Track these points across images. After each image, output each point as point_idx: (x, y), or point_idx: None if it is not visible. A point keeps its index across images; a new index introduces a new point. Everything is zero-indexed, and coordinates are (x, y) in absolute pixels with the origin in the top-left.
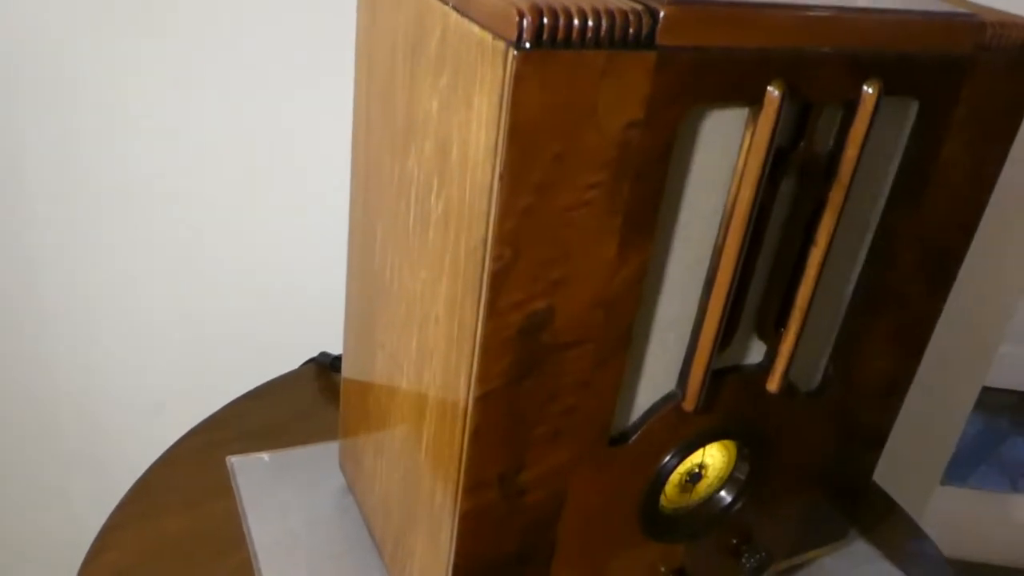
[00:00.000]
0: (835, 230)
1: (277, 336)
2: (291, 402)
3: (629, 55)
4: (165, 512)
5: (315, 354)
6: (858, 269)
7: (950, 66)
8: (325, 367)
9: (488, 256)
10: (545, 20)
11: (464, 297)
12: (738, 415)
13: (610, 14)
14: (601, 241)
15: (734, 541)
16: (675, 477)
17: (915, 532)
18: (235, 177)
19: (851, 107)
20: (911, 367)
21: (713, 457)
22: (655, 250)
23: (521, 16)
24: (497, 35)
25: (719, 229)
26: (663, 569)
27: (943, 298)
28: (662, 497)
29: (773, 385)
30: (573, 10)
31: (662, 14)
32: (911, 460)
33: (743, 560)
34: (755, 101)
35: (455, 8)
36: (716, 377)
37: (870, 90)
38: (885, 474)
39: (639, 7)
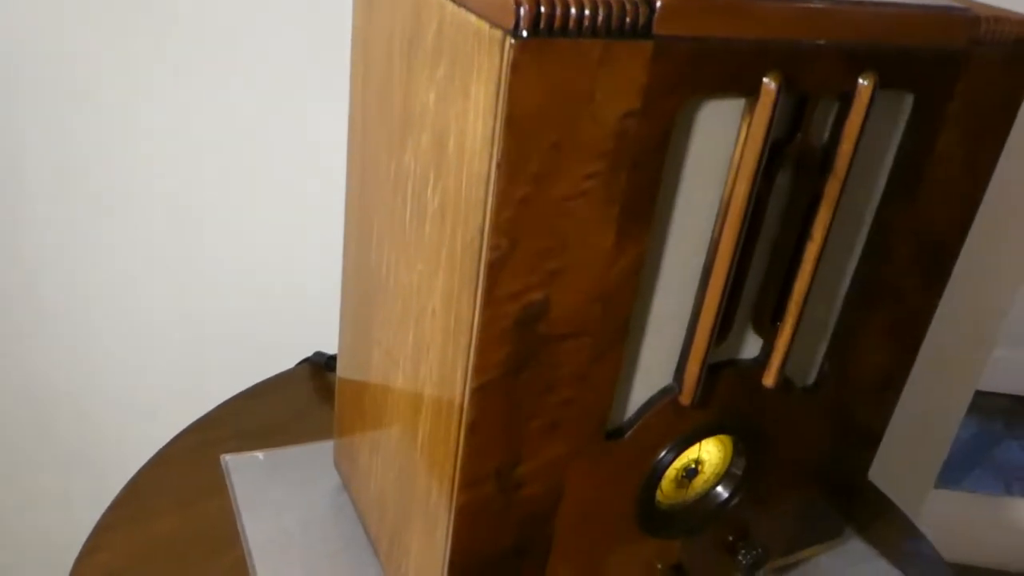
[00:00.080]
0: (831, 223)
1: (272, 336)
2: (285, 402)
3: (626, 44)
4: (158, 511)
5: (310, 354)
6: (854, 263)
7: (945, 60)
8: (320, 367)
9: (485, 246)
10: (542, 8)
11: (461, 289)
12: (734, 410)
13: (607, 3)
14: (598, 232)
15: (730, 538)
16: (671, 472)
17: (911, 531)
18: (232, 178)
19: (847, 100)
20: (907, 363)
21: (709, 453)
22: (652, 242)
23: (518, 4)
24: (494, 24)
25: (715, 221)
26: (659, 565)
27: (939, 293)
28: (658, 492)
29: (769, 380)
30: None
31: (659, 4)
32: (905, 463)
33: (739, 557)
34: (751, 92)
35: None
36: (712, 371)
37: (865, 83)
38: (879, 476)
39: None
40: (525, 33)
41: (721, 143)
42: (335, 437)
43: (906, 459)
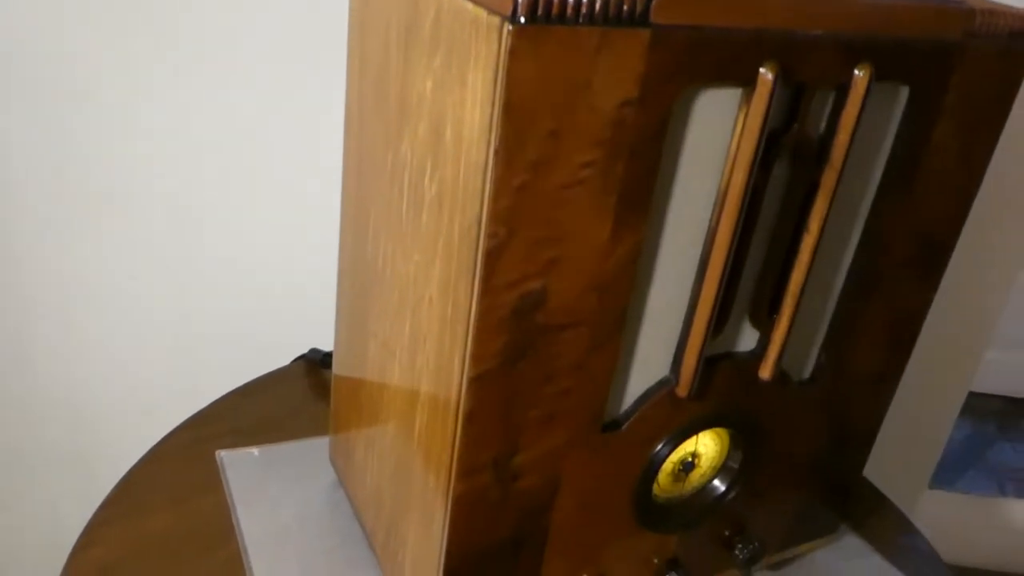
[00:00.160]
0: (827, 215)
1: (267, 334)
2: (281, 398)
3: (623, 32)
4: (152, 507)
5: (305, 351)
6: (850, 256)
7: (940, 52)
8: (315, 363)
9: (482, 234)
10: None
11: (458, 278)
12: (731, 403)
13: None
14: (595, 221)
15: (727, 532)
16: (668, 466)
17: (906, 527)
18: (228, 177)
19: (843, 91)
20: (902, 357)
21: (706, 446)
22: (649, 232)
23: None
24: (492, 11)
25: (712, 212)
26: (656, 560)
27: (934, 287)
28: (655, 486)
29: (766, 372)
30: None
31: None
32: (899, 463)
33: (736, 551)
34: (748, 82)
35: None
36: (709, 364)
37: (861, 74)
38: (873, 477)
39: None
40: (523, 20)
41: (718, 133)
42: (331, 433)
43: (900, 460)
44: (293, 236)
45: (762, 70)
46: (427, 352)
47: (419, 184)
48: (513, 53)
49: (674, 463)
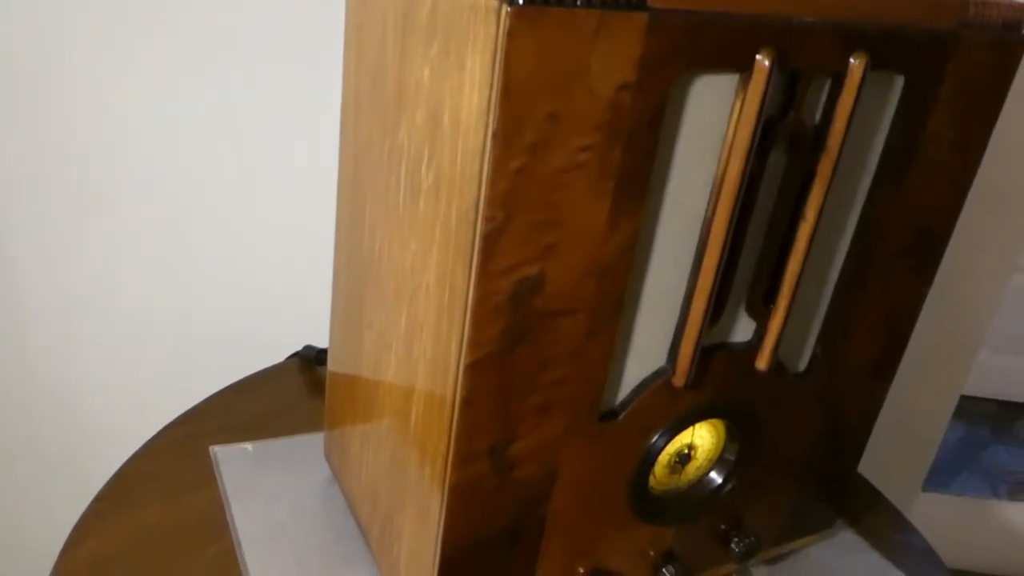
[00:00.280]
0: (824, 203)
1: (261, 333)
2: (275, 395)
3: (621, 15)
4: (145, 502)
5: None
6: (846, 247)
7: (934, 42)
8: (310, 360)
9: (480, 218)
10: None
11: (455, 264)
12: (727, 394)
13: None
14: (593, 205)
15: (723, 527)
16: (664, 457)
17: (902, 523)
18: (223, 175)
19: (839, 79)
20: (897, 350)
21: (702, 438)
22: (646, 219)
23: None
24: None
25: (709, 199)
26: (652, 553)
27: (929, 279)
28: (651, 478)
29: (762, 363)
30: None
31: None
32: (893, 465)
33: (732, 545)
34: (745, 68)
35: None
36: (705, 354)
37: (857, 62)
38: (867, 478)
39: None
40: (521, 1)
41: (715, 120)
42: (325, 429)
43: (894, 461)
44: (288, 235)
45: (758, 56)
46: (424, 341)
47: (416, 172)
48: (511, 35)
49: (670, 455)
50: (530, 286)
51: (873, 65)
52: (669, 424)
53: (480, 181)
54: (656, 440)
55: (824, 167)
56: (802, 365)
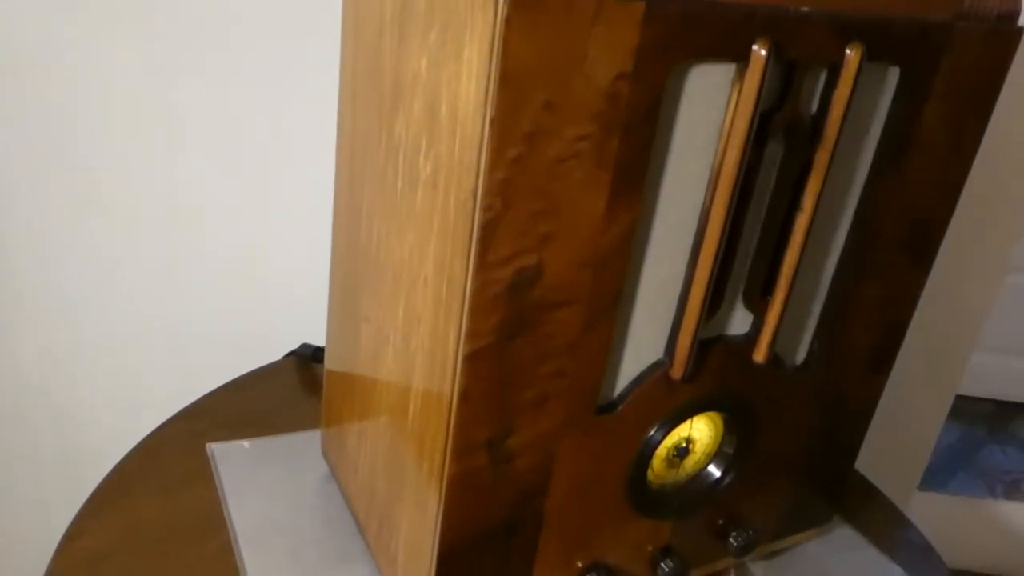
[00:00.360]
0: (820, 193)
1: (258, 332)
2: (272, 393)
3: (618, 5)
4: (142, 498)
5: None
6: (842, 239)
7: (930, 33)
8: (306, 359)
9: (478, 207)
10: None
11: (453, 254)
12: (725, 387)
13: None
14: (590, 196)
15: (720, 522)
16: (662, 451)
17: (899, 519)
18: (219, 174)
19: (834, 70)
20: (894, 343)
21: (700, 432)
22: (643, 209)
23: None
24: None
25: (706, 190)
26: (650, 548)
27: (926, 270)
28: (649, 472)
29: (760, 356)
30: None
31: None
32: (889, 466)
33: (730, 539)
34: (742, 58)
35: None
36: (703, 347)
37: (852, 53)
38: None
39: None
40: None
41: (712, 111)
42: (322, 426)
43: (890, 461)
44: (285, 234)
45: (755, 46)
46: (421, 333)
47: (414, 162)
48: (509, 22)
49: (668, 448)
50: (528, 277)
51: (869, 56)
52: (667, 417)
53: (478, 170)
54: (654, 433)
55: (821, 158)
56: (799, 358)
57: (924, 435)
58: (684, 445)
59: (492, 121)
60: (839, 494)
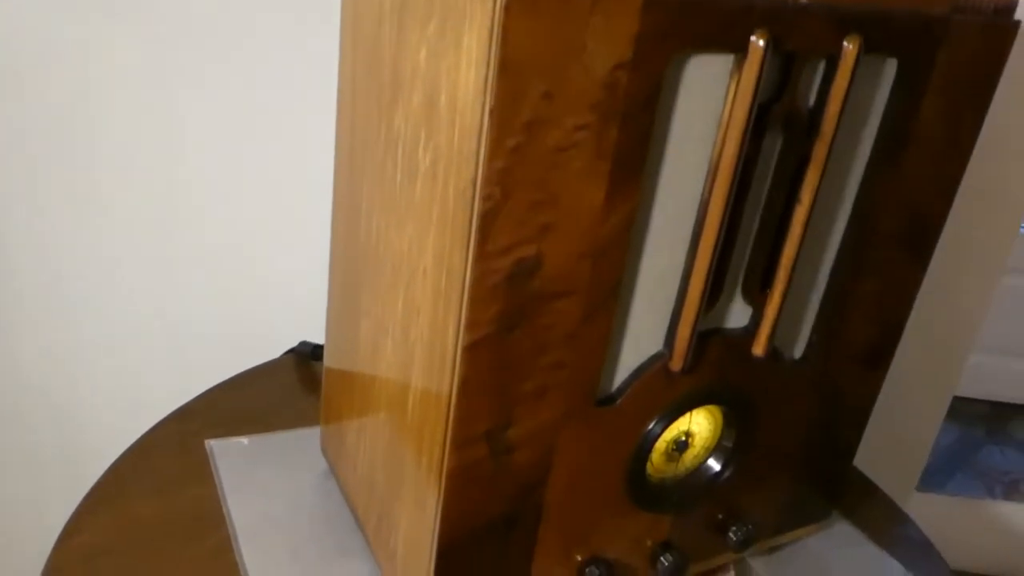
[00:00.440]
0: (819, 186)
1: (257, 332)
2: (270, 390)
3: None
4: (140, 495)
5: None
6: (841, 231)
7: (927, 26)
8: (305, 356)
9: (477, 196)
10: None
11: (453, 245)
12: (724, 380)
13: None
14: (589, 185)
15: (720, 516)
16: (661, 445)
17: (898, 516)
18: (217, 172)
19: (832, 63)
20: (893, 338)
21: (699, 425)
22: (642, 200)
23: None
24: None
25: (705, 180)
26: (650, 542)
27: (923, 266)
28: (649, 465)
29: (759, 348)
30: None
31: None
32: (887, 466)
33: (730, 534)
34: (740, 49)
35: None
36: (702, 339)
37: (850, 45)
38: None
39: None
40: None
41: (710, 101)
42: (321, 422)
43: (887, 462)
44: (285, 232)
45: (753, 37)
46: (421, 325)
47: (413, 153)
48: (509, 11)
49: (668, 442)
50: (527, 267)
51: (867, 48)
52: (666, 410)
53: (478, 159)
54: (653, 426)
55: (819, 150)
56: (798, 352)
57: (922, 436)
58: (683, 439)
59: (491, 110)
60: (838, 490)
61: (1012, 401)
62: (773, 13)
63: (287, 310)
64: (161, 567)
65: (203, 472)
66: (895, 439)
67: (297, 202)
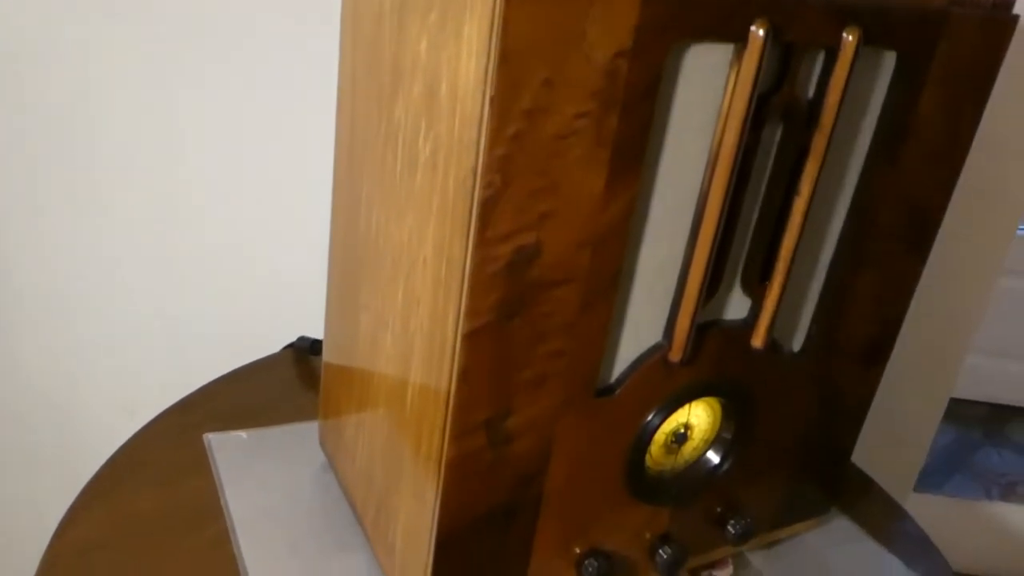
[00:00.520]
0: (818, 178)
1: (256, 328)
2: (269, 385)
3: None
4: (138, 488)
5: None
6: (840, 224)
7: (926, 19)
8: (304, 351)
9: (478, 184)
10: None
11: (453, 233)
12: (723, 372)
13: None
14: (589, 174)
15: (719, 509)
16: (660, 437)
17: (896, 512)
18: (216, 169)
19: (832, 54)
20: (891, 332)
21: (698, 417)
22: (642, 189)
23: None
24: None
25: (705, 170)
26: (648, 535)
27: (922, 260)
28: (648, 458)
29: (758, 340)
30: None
31: None
32: (884, 467)
33: (728, 527)
34: (740, 39)
35: None
36: (701, 331)
37: (850, 37)
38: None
39: None
40: None
41: (710, 91)
42: (320, 416)
43: (884, 463)
44: (284, 227)
45: (753, 27)
46: (420, 315)
47: (414, 144)
48: (509, 0)
49: (666, 434)
50: (527, 255)
51: (866, 40)
52: (665, 401)
53: (478, 147)
54: (652, 418)
55: (818, 142)
56: (797, 345)
57: (919, 437)
58: (682, 431)
59: (492, 99)
60: (837, 485)
61: (1009, 403)
62: (773, 3)
63: (287, 311)
64: (158, 560)
65: (201, 465)
66: (893, 440)
67: (297, 201)
